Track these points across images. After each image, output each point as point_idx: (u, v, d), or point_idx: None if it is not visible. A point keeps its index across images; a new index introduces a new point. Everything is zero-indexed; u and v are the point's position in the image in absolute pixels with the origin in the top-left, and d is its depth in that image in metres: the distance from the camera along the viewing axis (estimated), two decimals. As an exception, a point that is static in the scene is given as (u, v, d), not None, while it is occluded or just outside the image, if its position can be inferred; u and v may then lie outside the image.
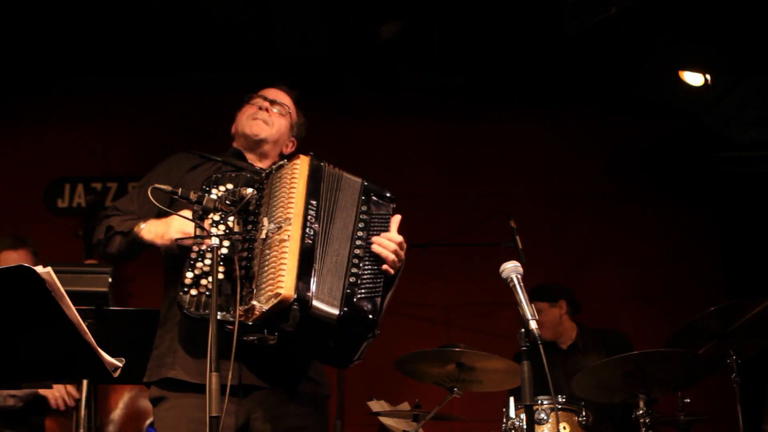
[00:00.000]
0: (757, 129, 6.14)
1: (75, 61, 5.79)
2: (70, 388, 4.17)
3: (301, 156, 2.75)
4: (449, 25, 5.52)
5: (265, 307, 2.44)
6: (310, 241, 2.54)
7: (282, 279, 2.45)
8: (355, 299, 2.57)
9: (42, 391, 4.15)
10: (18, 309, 1.95)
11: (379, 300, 2.63)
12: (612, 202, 6.17)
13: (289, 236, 2.53)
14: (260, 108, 3.02)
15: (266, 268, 2.52)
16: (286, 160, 2.77)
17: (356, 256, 2.64)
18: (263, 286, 2.50)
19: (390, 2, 5.27)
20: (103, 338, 2.23)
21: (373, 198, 2.78)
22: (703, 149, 6.21)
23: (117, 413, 4.49)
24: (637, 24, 5.01)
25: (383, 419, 4.99)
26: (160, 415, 2.73)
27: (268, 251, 2.55)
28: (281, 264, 2.48)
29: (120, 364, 2.16)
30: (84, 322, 2.02)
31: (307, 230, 2.55)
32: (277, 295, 2.43)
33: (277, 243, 2.53)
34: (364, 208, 2.74)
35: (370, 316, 2.58)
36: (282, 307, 2.43)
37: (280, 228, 2.56)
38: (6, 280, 1.87)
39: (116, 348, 2.24)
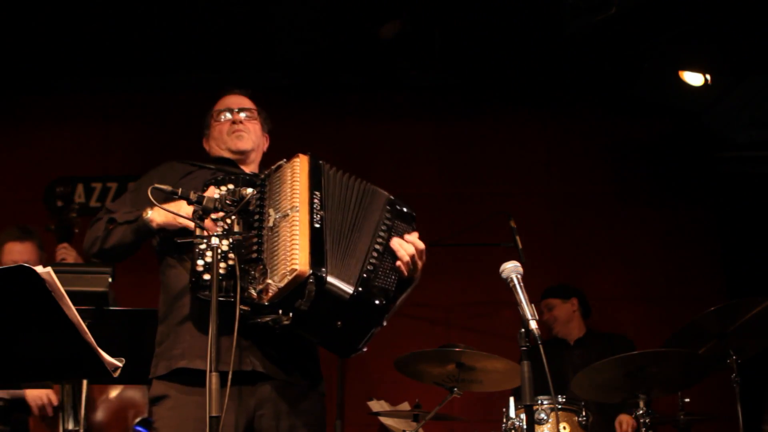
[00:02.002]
0: (757, 129, 6.13)
1: (75, 61, 5.79)
2: (51, 394, 4.09)
3: (300, 155, 2.81)
4: (449, 25, 5.52)
5: (281, 284, 2.47)
6: (319, 225, 2.61)
7: (296, 256, 2.49)
8: (369, 284, 2.62)
9: (28, 395, 4.10)
10: (18, 309, 1.94)
11: (392, 293, 2.69)
12: (612, 202, 6.17)
13: (298, 220, 2.58)
14: (234, 122, 3.08)
15: (277, 250, 2.56)
16: (284, 160, 2.82)
17: (376, 250, 2.71)
18: (276, 265, 2.53)
19: (390, 2, 5.27)
20: (103, 338, 2.22)
21: (397, 209, 2.87)
22: (703, 149, 6.21)
23: (102, 411, 4.45)
24: (637, 24, 5.02)
25: (383, 419, 4.99)
26: (162, 414, 2.71)
27: (277, 237, 2.60)
28: (293, 243, 2.53)
29: (120, 364, 2.15)
30: (84, 322, 2.02)
31: (315, 216, 2.62)
32: (293, 270, 2.47)
33: (287, 227, 2.58)
34: (388, 215, 2.82)
35: (382, 302, 2.63)
36: (298, 282, 2.47)
37: (287, 215, 2.61)
38: (6, 280, 1.87)
39: (116, 348, 2.24)
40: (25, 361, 2.10)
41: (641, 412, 3.83)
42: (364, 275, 2.62)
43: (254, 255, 2.57)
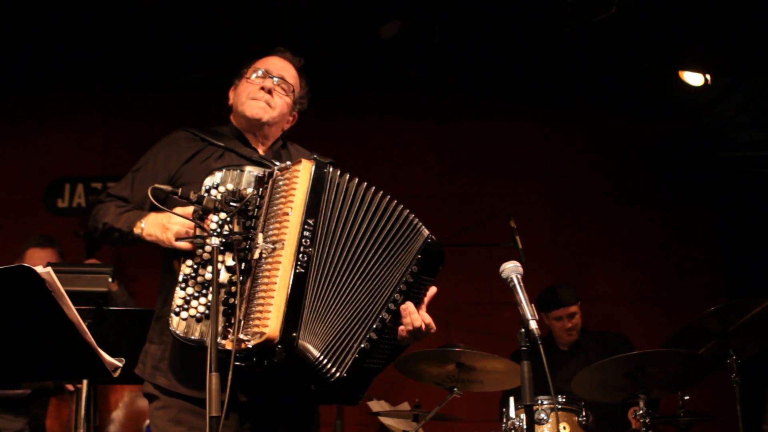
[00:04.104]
0: (757, 129, 6.14)
1: (75, 61, 5.79)
2: None
3: (303, 161, 2.52)
4: (449, 25, 5.52)
5: (250, 344, 2.36)
6: (302, 270, 2.40)
7: (267, 317, 2.35)
8: (358, 367, 2.47)
9: None
10: (18, 309, 1.94)
11: (379, 368, 2.58)
12: (612, 202, 6.18)
13: (280, 264, 2.39)
14: (262, 88, 2.86)
15: (256, 298, 2.42)
16: (289, 162, 2.58)
17: (381, 320, 2.53)
18: (251, 319, 2.40)
19: (390, 2, 5.27)
20: (103, 338, 2.22)
21: (430, 254, 2.65)
22: (703, 149, 6.22)
23: (117, 413, 4.49)
24: (637, 24, 5.02)
25: (383, 419, 4.99)
26: (153, 413, 2.71)
27: (258, 277, 2.44)
28: (269, 298, 2.37)
29: (120, 364, 2.16)
30: (84, 322, 2.02)
31: (301, 256, 2.40)
32: (261, 335, 2.34)
33: (268, 270, 2.42)
34: (416, 268, 2.62)
35: (361, 386, 2.52)
36: (268, 345, 2.35)
37: (273, 250, 2.42)
38: (6, 280, 1.87)
39: (116, 348, 2.24)
40: (25, 361, 2.10)
41: (641, 412, 3.83)
42: (356, 356, 2.45)
43: (232, 300, 2.42)
